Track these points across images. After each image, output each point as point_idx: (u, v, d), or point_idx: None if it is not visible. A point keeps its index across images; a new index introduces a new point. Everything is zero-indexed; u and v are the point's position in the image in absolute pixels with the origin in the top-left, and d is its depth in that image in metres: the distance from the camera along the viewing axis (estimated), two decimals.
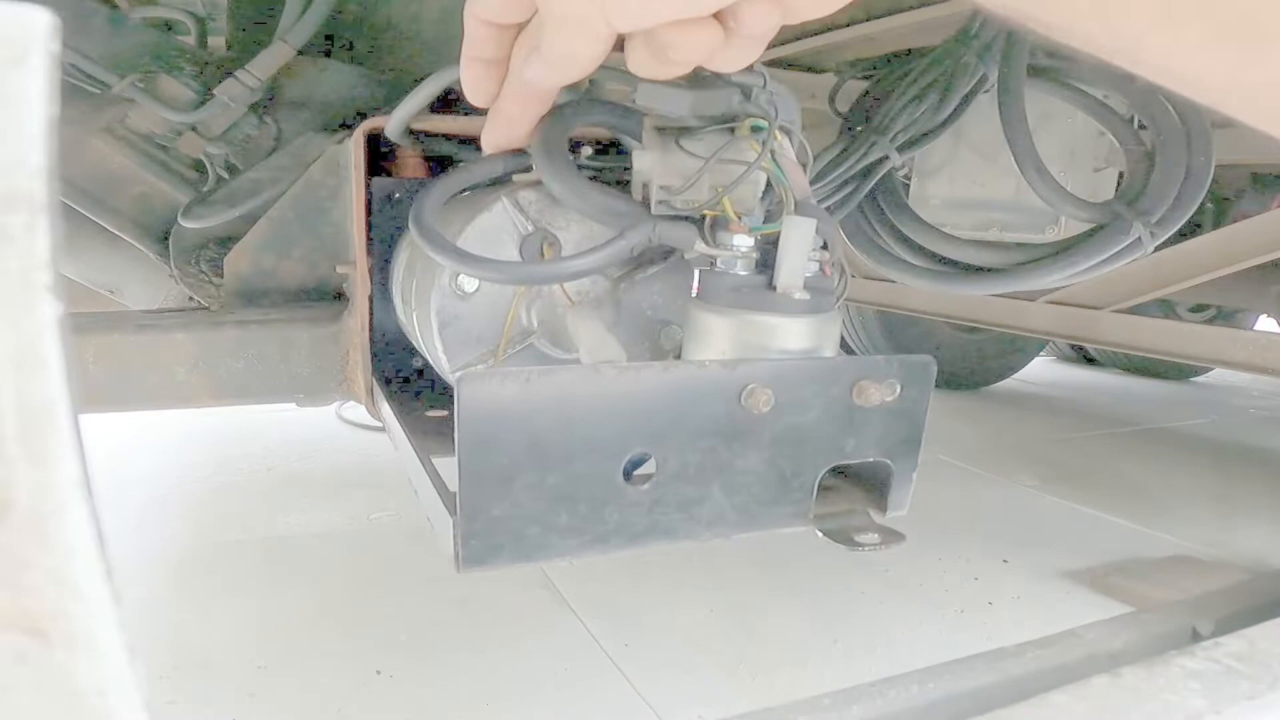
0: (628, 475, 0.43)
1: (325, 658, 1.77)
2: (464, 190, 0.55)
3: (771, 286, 0.45)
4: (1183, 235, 1.20)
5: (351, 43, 1.24)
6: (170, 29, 1.23)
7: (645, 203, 0.50)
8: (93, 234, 1.02)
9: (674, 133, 0.50)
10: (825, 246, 0.48)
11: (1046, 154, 1.63)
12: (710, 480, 0.43)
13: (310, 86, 1.07)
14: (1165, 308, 3.13)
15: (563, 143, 0.51)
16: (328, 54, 1.18)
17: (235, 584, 2.07)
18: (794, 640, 1.79)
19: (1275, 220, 1.75)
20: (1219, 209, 2.58)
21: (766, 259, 0.46)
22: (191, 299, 0.94)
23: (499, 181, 0.59)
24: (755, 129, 0.50)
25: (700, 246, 0.46)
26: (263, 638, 1.84)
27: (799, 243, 0.44)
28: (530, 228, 0.52)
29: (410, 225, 0.48)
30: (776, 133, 0.54)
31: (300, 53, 1.07)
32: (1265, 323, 3.10)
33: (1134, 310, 1.99)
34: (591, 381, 0.39)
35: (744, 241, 0.45)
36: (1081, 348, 4.35)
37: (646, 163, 0.49)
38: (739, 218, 0.48)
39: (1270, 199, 2.48)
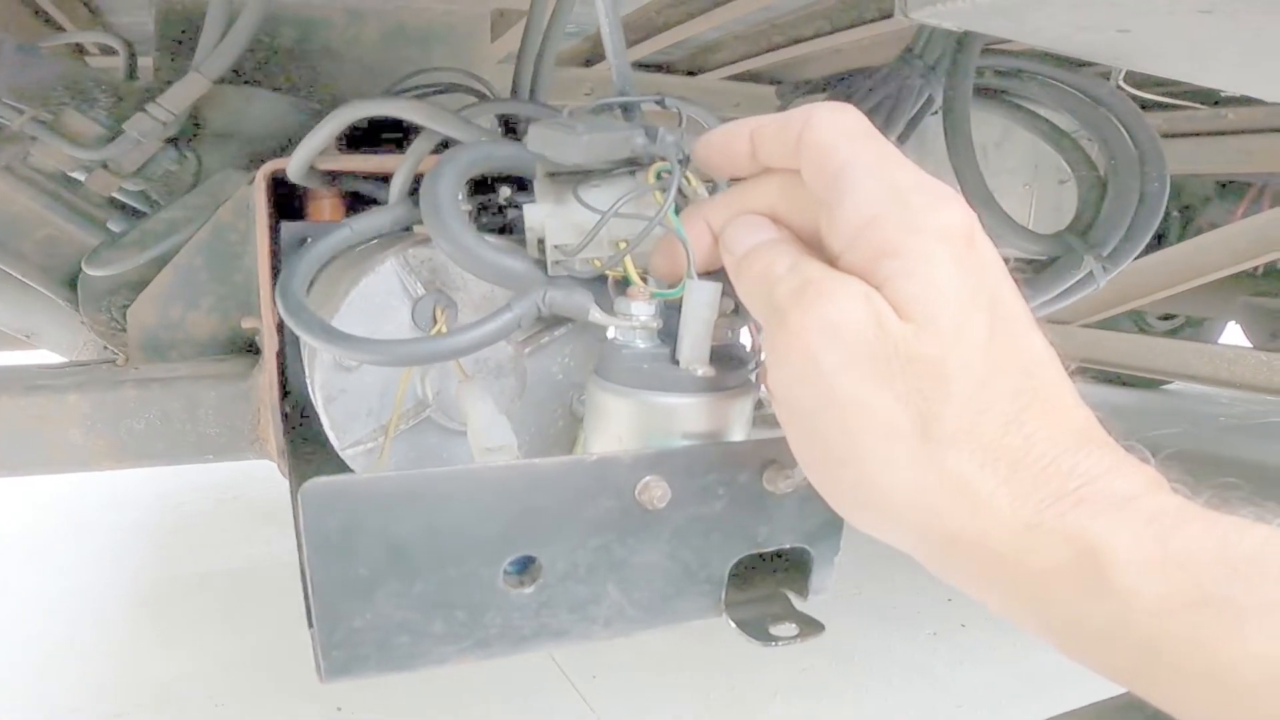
0: (523, 570, 0.39)
1: (285, 694, 1.71)
2: (348, 250, 0.51)
3: (674, 360, 0.40)
4: (1150, 246, 1.17)
5: (289, 71, 1.19)
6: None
7: (544, 261, 0.46)
8: (4, 278, 0.97)
9: (571, 181, 0.46)
10: (737, 310, 0.44)
11: (1011, 167, 1.60)
12: (604, 579, 0.38)
13: (236, 118, 1.02)
14: (1135, 316, 3.12)
15: (453, 190, 0.47)
16: (265, 83, 1.13)
17: (198, 617, 2.02)
18: (765, 667, 1.75)
19: (1239, 231, 1.74)
20: (1185, 218, 2.58)
21: (672, 328, 0.42)
22: (106, 348, 0.89)
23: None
24: (662, 174, 0.46)
25: (595, 315, 0.42)
26: (223, 673, 1.79)
27: (701, 311, 0.40)
28: (421, 290, 0.48)
29: (276, 299, 0.43)
30: (691, 177, 0.50)
31: (231, 81, 1.02)
32: (1232, 330, 3.10)
33: (1104, 321, 1.97)
34: (459, 482, 0.35)
35: (643, 310, 0.41)
36: None
37: (538, 217, 0.44)
38: (644, 279, 0.44)
39: (1234, 208, 2.48)
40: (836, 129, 0.36)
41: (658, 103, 0.53)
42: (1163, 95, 1.68)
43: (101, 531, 2.49)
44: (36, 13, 1.65)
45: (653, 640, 1.85)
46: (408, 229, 0.55)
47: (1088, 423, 0.33)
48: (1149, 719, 0.37)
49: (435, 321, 0.48)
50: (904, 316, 0.32)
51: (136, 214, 1.02)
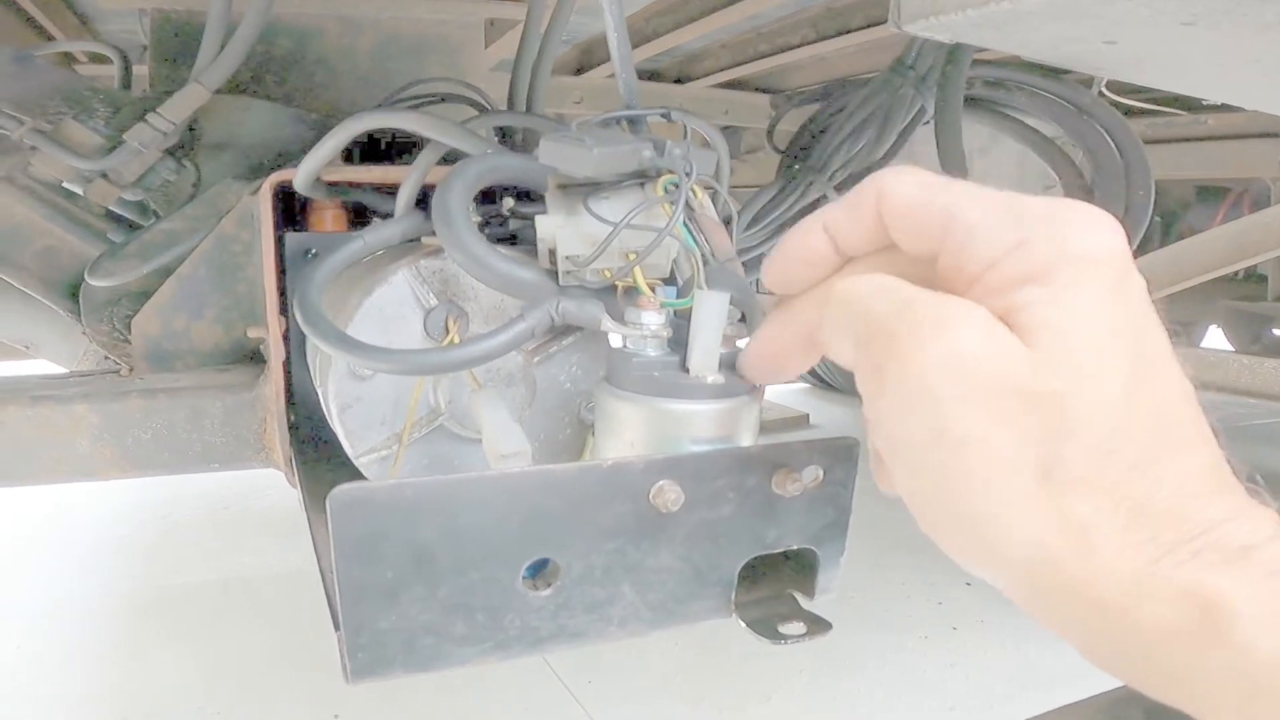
0: (536, 573, 0.40)
1: (280, 702, 1.71)
2: (362, 259, 0.52)
3: (684, 368, 0.42)
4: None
5: (283, 80, 1.20)
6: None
7: (554, 271, 0.47)
8: (4, 288, 0.97)
9: (581, 193, 0.47)
10: (744, 319, 0.45)
11: (998, 173, 1.61)
12: (619, 581, 0.40)
13: (233, 128, 1.03)
14: None
15: (464, 202, 0.48)
16: (259, 93, 1.14)
17: (187, 627, 2.00)
18: (759, 672, 1.76)
19: (1220, 236, 1.77)
20: (1166, 224, 2.61)
21: (681, 336, 0.43)
22: (108, 358, 0.89)
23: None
24: (670, 187, 0.47)
25: (607, 324, 0.43)
26: (214, 682, 1.78)
27: (710, 320, 0.41)
28: (434, 300, 0.49)
29: (293, 308, 0.44)
30: (696, 189, 0.51)
31: (227, 91, 1.02)
32: (1214, 334, 3.14)
33: None
34: (479, 487, 0.36)
35: (653, 319, 0.42)
36: None
37: (550, 229, 0.46)
38: (653, 289, 0.45)
39: (1214, 213, 2.52)
40: (912, 183, 0.34)
41: (663, 115, 0.54)
42: (1143, 101, 1.71)
43: (91, 542, 2.47)
44: (27, 21, 1.65)
45: (647, 644, 1.86)
46: (414, 240, 0.56)
47: (1214, 461, 0.32)
48: (1146, 711, 0.38)
49: (448, 331, 0.49)
50: (1034, 346, 0.30)
51: (132, 225, 1.02)
